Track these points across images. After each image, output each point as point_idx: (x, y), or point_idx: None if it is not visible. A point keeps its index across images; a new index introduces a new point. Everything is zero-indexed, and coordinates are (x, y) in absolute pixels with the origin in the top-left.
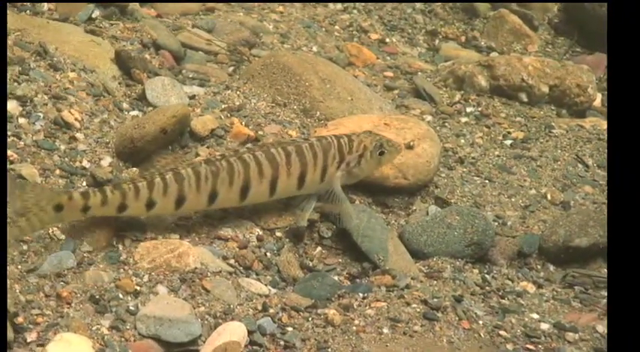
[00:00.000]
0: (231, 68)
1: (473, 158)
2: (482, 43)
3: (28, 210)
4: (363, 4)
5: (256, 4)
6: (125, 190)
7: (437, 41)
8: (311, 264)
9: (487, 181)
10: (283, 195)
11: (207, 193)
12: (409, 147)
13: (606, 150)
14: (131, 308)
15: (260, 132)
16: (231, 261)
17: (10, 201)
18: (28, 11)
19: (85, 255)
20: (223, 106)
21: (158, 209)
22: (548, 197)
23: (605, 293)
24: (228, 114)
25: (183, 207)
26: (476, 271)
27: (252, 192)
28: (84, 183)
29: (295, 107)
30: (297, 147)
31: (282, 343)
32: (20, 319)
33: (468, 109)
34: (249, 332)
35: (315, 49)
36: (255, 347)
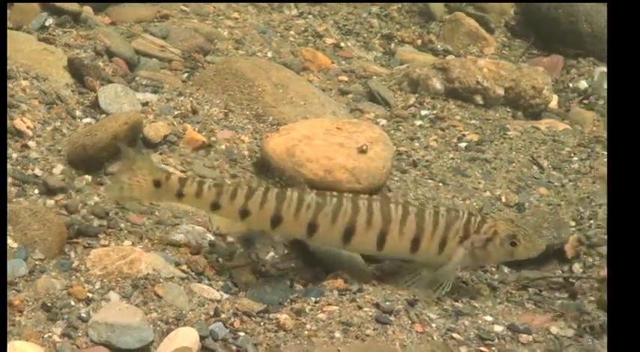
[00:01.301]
0: (186, 75)
1: (427, 161)
2: (439, 47)
3: (133, 176)
4: (318, 9)
5: (212, 9)
6: (222, 190)
7: (392, 45)
8: (263, 269)
9: (441, 184)
10: (393, 254)
11: (306, 222)
12: (362, 151)
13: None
14: (83, 315)
15: (213, 139)
16: (184, 267)
17: (119, 166)
18: None
19: (37, 262)
20: (176, 113)
21: (252, 221)
22: (503, 199)
23: (559, 295)
24: (181, 121)
25: (278, 229)
26: None
27: (357, 238)
28: (36, 191)
29: (248, 112)
30: (418, 210)
31: (234, 348)
32: None
33: (423, 112)
34: (201, 338)
35: (269, 54)
36: None
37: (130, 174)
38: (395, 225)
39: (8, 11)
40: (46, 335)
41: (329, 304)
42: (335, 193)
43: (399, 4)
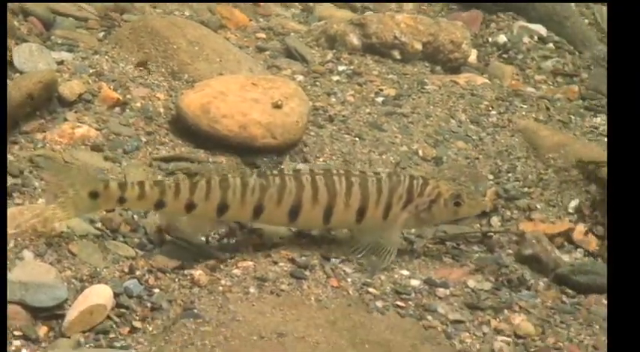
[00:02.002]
0: (102, 34)
1: (343, 116)
2: (358, 4)
3: (64, 193)
4: None
5: None
6: (165, 187)
7: (311, 2)
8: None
9: (357, 139)
10: (339, 226)
11: (252, 206)
12: (277, 106)
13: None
14: None
15: (128, 96)
16: (98, 225)
17: (46, 183)
18: None
19: None
20: (91, 71)
21: (198, 213)
22: (420, 153)
23: (477, 249)
24: (97, 79)
25: (225, 215)
26: (345, 230)
27: (303, 215)
28: None
29: (163, 70)
30: (361, 179)
31: (148, 305)
32: None
33: (340, 68)
34: (116, 295)
35: (187, 12)
36: (121, 310)
37: (60, 191)
38: (340, 198)
39: None
40: None
41: (244, 260)
42: (276, 172)
43: None
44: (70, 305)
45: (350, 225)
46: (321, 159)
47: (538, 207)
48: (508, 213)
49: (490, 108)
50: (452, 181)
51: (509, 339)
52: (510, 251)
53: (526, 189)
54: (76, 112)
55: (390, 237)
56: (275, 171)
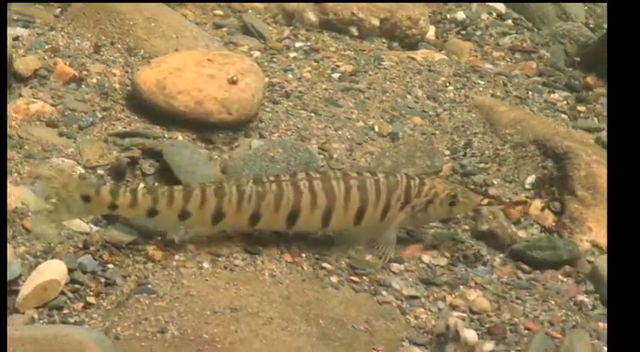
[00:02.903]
0: (59, 10)
1: (300, 92)
2: None
3: (57, 194)
4: None
5: None
6: (158, 195)
7: None
8: None
9: (313, 114)
10: (337, 228)
11: (249, 213)
12: (232, 82)
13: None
14: None
15: (84, 72)
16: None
17: (40, 186)
18: None
19: None
20: (47, 47)
21: (193, 221)
22: (376, 129)
23: (433, 224)
24: (52, 55)
25: (221, 223)
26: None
27: (302, 220)
28: None
29: (120, 46)
30: (360, 182)
31: (102, 280)
32: None
33: (297, 44)
34: (70, 271)
35: None
36: (75, 285)
37: (53, 194)
38: (339, 202)
39: None
40: None
41: (198, 234)
42: (273, 178)
43: None
44: (23, 281)
45: (348, 227)
46: (276, 135)
47: (495, 182)
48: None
49: (447, 84)
50: (446, 180)
51: (464, 315)
52: (466, 227)
53: (483, 165)
54: (31, 88)
55: (388, 236)
56: (271, 178)
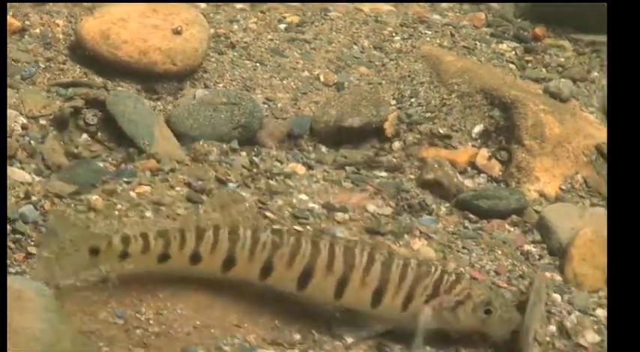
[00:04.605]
0: None
1: (245, 43)
2: None
3: (62, 249)
4: None
5: None
6: (169, 238)
7: None
8: (76, 151)
9: (258, 65)
10: (351, 306)
11: (260, 264)
12: (177, 32)
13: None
14: None
15: (27, 22)
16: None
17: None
18: None
19: None
20: None
21: (204, 266)
22: (322, 78)
23: (378, 173)
24: None
25: (231, 271)
26: (244, 154)
27: (314, 283)
28: None
29: None
30: (385, 259)
31: (44, 230)
32: None
33: None
34: (11, 221)
35: None
36: (17, 236)
37: (58, 248)
38: (357, 272)
39: None
40: None
41: (141, 184)
42: (293, 231)
43: None
44: None
45: (364, 308)
46: (221, 85)
47: (441, 131)
48: (410, 137)
49: (394, 35)
50: (488, 288)
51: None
52: (412, 176)
53: (429, 114)
54: None
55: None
56: (292, 230)
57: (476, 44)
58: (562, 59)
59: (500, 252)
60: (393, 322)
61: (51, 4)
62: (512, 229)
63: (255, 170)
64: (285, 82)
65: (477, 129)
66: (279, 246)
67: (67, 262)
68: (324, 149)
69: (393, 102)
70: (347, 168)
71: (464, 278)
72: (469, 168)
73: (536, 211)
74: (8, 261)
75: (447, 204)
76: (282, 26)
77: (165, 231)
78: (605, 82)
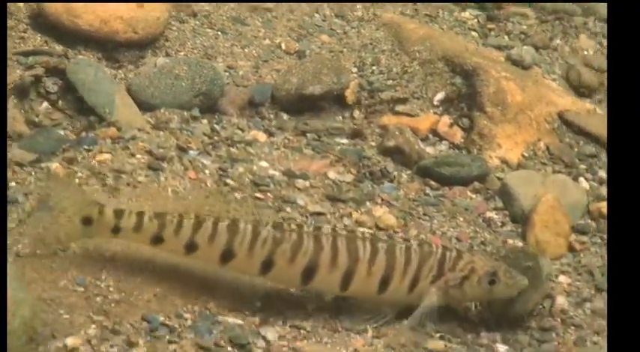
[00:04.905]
0: None
1: (206, 11)
2: None
3: (56, 216)
4: None
5: None
6: (166, 221)
7: None
8: (37, 120)
9: (220, 33)
10: (358, 295)
11: (260, 259)
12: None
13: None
14: None
15: None
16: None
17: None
18: None
19: None
20: None
21: (199, 256)
22: (283, 46)
23: (339, 140)
24: None
25: (229, 265)
26: (205, 121)
27: (318, 278)
28: None
29: None
30: (388, 246)
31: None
32: None
33: None
34: None
35: None
36: None
37: (53, 214)
38: (362, 264)
39: None
40: None
41: (101, 152)
42: (294, 227)
43: None
44: None
45: (371, 295)
46: (182, 53)
47: (401, 96)
48: (371, 105)
49: (355, 3)
50: (489, 257)
51: (370, 231)
52: (373, 143)
53: (390, 82)
54: None
55: (415, 316)
56: (293, 226)
57: (438, 12)
58: (524, 27)
59: (461, 219)
60: (400, 305)
61: None
62: (474, 196)
63: (216, 137)
64: (246, 50)
65: (439, 96)
66: (280, 241)
67: (60, 230)
68: (285, 117)
69: (355, 70)
70: (308, 135)
71: (465, 253)
72: (431, 136)
73: (498, 178)
74: None
75: (409, 171)
76: None
77: (163, 214)
78: (567, 48)
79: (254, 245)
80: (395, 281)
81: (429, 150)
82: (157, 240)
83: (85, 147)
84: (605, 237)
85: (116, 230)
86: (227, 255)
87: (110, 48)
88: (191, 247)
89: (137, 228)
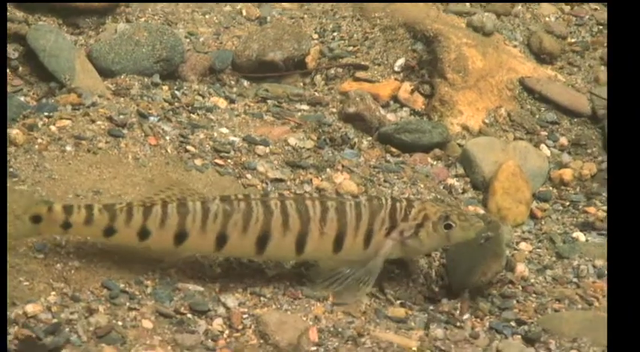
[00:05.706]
0: None
1: None
2: None
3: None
4: None
5: None
6: (116, 211)
7: None
8: None
9: None
10: (314, 257)
11: (214, 234)
12: None
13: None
14: None
15: None
16: None
17: None
18: None
19: None
20: None
21: (153, 241)
22: (244, 13)
23: (299, 107)
24: None
25: (184, 246)
26: (165, 88)
27: (272, 244)
28: None
29: None
30: (338, 204)
31: None
32: None
33: None
34: None
35: None
36: None
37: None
38: (314, 225)
39: None
40: None
41: (62, 118)
42: (241, 196)
43: None
44: None
45: (327, 256)
46: (142, 19)
47: (362, 62)
48: (332, 71)
49: None
50: (441, 203)
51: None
52: (334, 109)
53: (351, 48)
54: None
55: (371, 268)
56: (240, 195)
57: None
58: None
59: (422, 186)
60: (358, 263)
61: None
62: (434, 163)
63: (176, 104)
64: (207, 16)
65: (400, 62)
66: (230, 213)
67: (12, 230)
68: (245, 83)
69: (315, 36)
70: (268, 101)
71: (415, 201)
72: (391, 102)
73: (459, 145)
74: None
75: (369, 138)
76: None
77: (112, 205)
78: (529, 15)
79: (205, 222)
80: (349, 237)
81: (390, 116)
82: (110, 231)
83: (46, 113)
84: (567, 203)
85: (66, 225)
86: (180, 237)
87: (70, 14)
88: (144, 234)
89: (87, 221)
